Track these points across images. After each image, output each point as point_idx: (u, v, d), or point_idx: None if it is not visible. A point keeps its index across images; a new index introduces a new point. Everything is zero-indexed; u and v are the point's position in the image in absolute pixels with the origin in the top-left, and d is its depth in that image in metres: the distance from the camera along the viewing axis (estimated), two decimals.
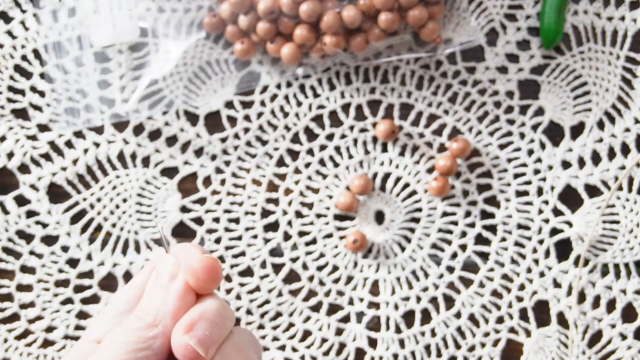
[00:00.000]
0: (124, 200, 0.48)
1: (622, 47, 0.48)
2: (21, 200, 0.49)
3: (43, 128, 0.49)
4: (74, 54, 0.47)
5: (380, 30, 0.45)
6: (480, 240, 0.49)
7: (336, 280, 0.49)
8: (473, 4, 0.48)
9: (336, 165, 0.49)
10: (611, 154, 0.48)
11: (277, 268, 0.49)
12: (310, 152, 0.49)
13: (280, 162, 0.49)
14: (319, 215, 0.49)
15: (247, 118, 0.48)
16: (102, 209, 0.48)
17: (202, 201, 0.49)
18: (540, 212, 0.48)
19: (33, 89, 0.48)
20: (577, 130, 0.49)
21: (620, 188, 0.48)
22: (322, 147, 0.49)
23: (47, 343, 0.49)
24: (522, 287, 0.49)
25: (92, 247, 0.49)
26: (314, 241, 0.49)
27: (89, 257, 0.49)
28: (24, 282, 0.49)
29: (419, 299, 0.49)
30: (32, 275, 0.49)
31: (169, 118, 0.48)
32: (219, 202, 0.49)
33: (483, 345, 0.49)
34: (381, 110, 0.49)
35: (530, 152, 0.48)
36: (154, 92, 0.48)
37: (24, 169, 0.49)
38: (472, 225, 0.49)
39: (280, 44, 0.46)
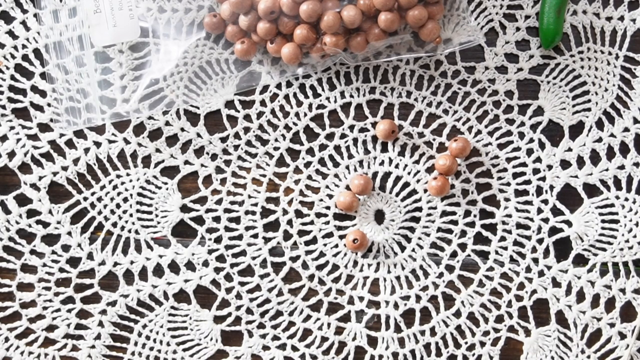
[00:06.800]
0: (125, 200, 0.49)
1: (621, 47, 0.48)
2: (22, 200, 0.49)
3: (44, 128, 0.49)
4: (74, 54, 0.48)
5: (380, 30, 0.45)
6: (479, 239, 0.49)
7: (336, 280, 0.49)
8: (473, 4, 0.48)
9: (336, 164, 0.49)
10: (610, 154, 0.49)
11: (277, 267, 0.49)
12: (310, 151, 0.49)
13: (281, 162, 0.49)
14: (319, 215, 0.49)
15: (247, 118, 0.49)
16: (103, 209, 0.49)
17: (202, 200, 0.49)
18: (540, 211, 0.49)
19: (34, 89, 0.48)
20: (576, 130, 0.49)
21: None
22: (322, 147, 0.49)
23: (48, 342, 0.49)
24: (521, 286, 0.49)
25: (93, 246, 0.49)
26: (314, 240, 0.49)
27: (90, 256, 0.49)
28: (25, 281, 0.49)
29: (418, 298, 0.49)
30: (33, 274, 0.49)
31: (169, 118, 0.48)
32: (219, 202, 0.49)
33: (482, 344, 0.49)
34: (381, 110, 0.49)
35: (530, 152, 0.49)
36: (154, 91, 0.48)
37: (25, 168, 0.49)
38: (471, 224, 0.49)
39: (281, 44, 0.46)
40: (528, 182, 0.49)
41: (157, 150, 0.49)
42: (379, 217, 0.49)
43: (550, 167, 0.49)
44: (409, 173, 0.49)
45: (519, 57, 0.48)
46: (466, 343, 0.49)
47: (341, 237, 0.49)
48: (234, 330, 0.49)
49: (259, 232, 0.49)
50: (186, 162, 0.49)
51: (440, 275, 0.49)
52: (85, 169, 0.49)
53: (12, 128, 0.48)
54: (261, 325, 0.49)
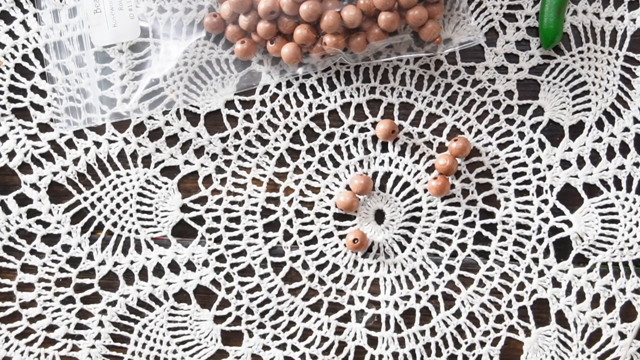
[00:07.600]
0: (125, 200, 0.49)
1: (621, 47, 0.48)
2: (22, 200, 0.49)
3: (44, 127, 0.49)
4: (74, 54, 0.48)
5: (380, 30, 0.45)
6: (479, 239, 0.49)
7: (336, 279, 0.49)
8: (473, 4, 0.48)
9: (336, 164, 0.49)
10: (610, 154, 0.49)
11: (277, 267, 0.49)
12: (310, 151, 0.49)
13: (281, 162, 0.49)
14: (319, 215, 0.49)
15: (247, 117, 0.49)
16: (103, 209, 0.49)
17: (202, 200, 0.49)
18: (540, 211, 0.49)
19: (34, 89, 0.48)
20: (577, 129, 0.49)
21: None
22: (323, 147, 0.49)
23: (48, 342, 0.49)
24: (521, 286, 0.49)
25: (93, 246, 0.49)
26: (314, 240, 0.49)
27: (90, 256, 0.49)
28: (25, 281, 0.49)
29: (418, 298, 0.49)
30: (33, 274, 0.49)
31: (169, 118, 0.48)
32: (219, 202, 0.49)
33: (483, 344, 0.49)
34: (381, 109, 0.49)
35: (530, 152, 0.49)
36: (154, 91, 0.48)
37: (25, 168, 0.49)
38: (471, 224, 0.49)
39: (281, 44, 0.46)
40: (528, 182, 0.49)
41: (157, 150, 0.49)
42: (379, 217, 0.49)
43: (550, 167, 0.49)
44: (409, 173, 0.49)
45: (519, 57, 0.48)
46: (466, 343, 0.49)
47: (341, 237, 0.49)
48: (234, 330, 0.49)
49: (259, 232, 0.49)
50: (186, 162, 0.49)
51: (440, 275, 0.49)
52: (85, 168, 0.49)
53: (12, 128, 0.48)
54: (261, 325, 0.49)
